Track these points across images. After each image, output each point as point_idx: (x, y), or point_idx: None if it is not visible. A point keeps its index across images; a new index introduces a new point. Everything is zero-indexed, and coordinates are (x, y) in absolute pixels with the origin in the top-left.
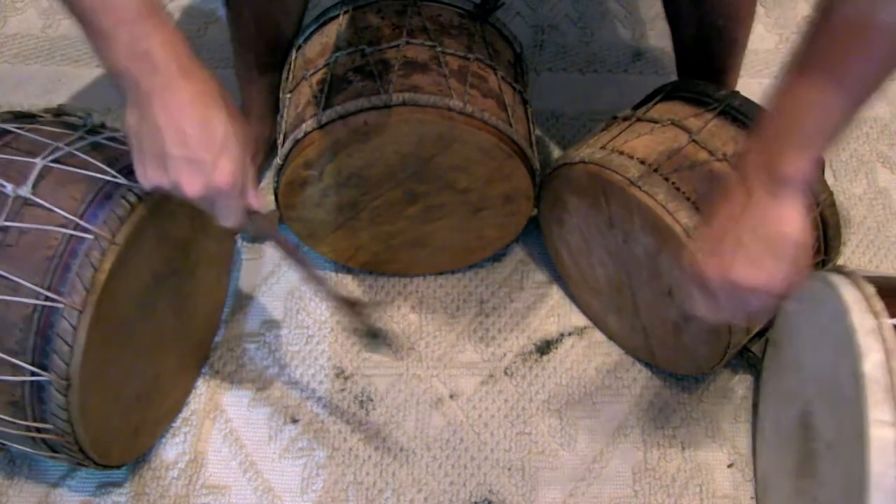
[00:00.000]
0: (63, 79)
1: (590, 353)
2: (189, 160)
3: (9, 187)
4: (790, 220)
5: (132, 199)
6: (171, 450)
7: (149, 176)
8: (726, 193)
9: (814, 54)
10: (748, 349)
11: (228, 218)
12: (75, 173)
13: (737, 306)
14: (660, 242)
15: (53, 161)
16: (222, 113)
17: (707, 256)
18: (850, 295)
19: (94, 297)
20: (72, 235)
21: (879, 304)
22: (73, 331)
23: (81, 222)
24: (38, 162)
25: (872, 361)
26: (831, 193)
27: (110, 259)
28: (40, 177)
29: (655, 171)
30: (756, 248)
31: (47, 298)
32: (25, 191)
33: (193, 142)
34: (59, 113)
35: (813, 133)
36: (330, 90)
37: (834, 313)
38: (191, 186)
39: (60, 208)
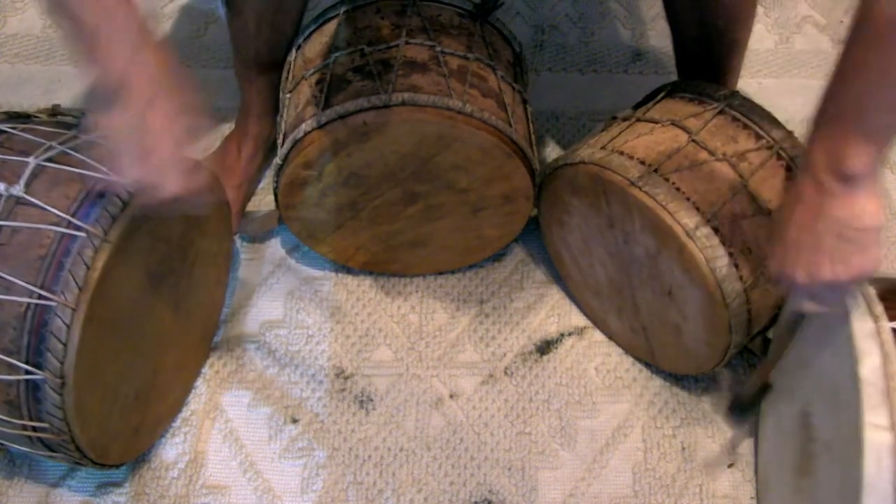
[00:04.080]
0: (63, 79)
1: (590, 353)
2: (176, 162)
3: (1, 186)
4: (869, 213)
5: (125, 197)
6: (171, 450)
7: (132, 172)
8: (798, 194)
9: (859, 53)
10: (748, 349)
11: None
12: (68, 172)
13: (829, 298)
14: (660, 243)
15: (46, 160)
16: (205, 122)
17: (789, 261)
18: (850, 297)
19: (87, 295)
20: (64, 234)
21: (879, 308)
22: (67, 329)
23: (74, 220)
24: (32, 161)
25: (869, 365)
26: None
27: (103, 257)
28: (33, 176)
29: (655, 171)
30: (840, 246)
31: (40, 297)
32: (18, 190)
33: (182, 146)
34: (53, 113)
35: (875, 125)
36: (329, 90)
37: (835, 315)
38: (174, 185)
39: (53, 207)
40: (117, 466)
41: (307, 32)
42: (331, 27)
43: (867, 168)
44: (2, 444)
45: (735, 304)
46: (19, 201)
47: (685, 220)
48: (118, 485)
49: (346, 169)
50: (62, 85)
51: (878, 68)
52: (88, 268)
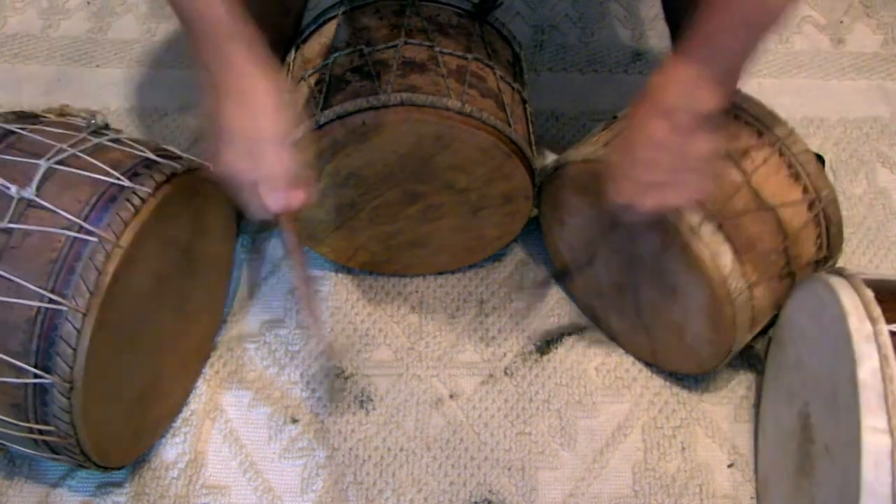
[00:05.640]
0: (63, 79)
1: (590, 353)
2: (279, 152)
3: (13, 189)
4: (707, 146)
5: (136, 201)
6: (171, 450)
7: (232, 164)
8: (646, 132)
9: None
10: (750, 348)
11: (270, 209)
12: (80, 175)
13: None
14: (664, 241)
15: (58, 163)
16: (294, 125)
17: (638, 193)
18: (848, 299)
19: (97, 300)
20: (76, 238)
21: (877, 310)
22: (77, 333)
23: (86, 225)
24: (43, 164)
25: (868, 368)
26: (833, 190)
27: (114, 262)
28: (44, 179)
29: None
30: (685, 176)
31: (51, 301)
32: (30, 193)
33: (284, 137)
34: (62, 113)
35: (729, 69)
36: (328, 90)
37: (833, 317)
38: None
39: (64, 210)
40: (119, 468)
41: (306, 33)
42: (330, 28)
43: (716, 109)
44: (3, 445)
45: (740, 300)
46: (31, 204)
47: (689, 218)
48: (118, 485)
49: (346, 169)
50: (62, 85)
51: (741, 15)
52: (100, 273)
